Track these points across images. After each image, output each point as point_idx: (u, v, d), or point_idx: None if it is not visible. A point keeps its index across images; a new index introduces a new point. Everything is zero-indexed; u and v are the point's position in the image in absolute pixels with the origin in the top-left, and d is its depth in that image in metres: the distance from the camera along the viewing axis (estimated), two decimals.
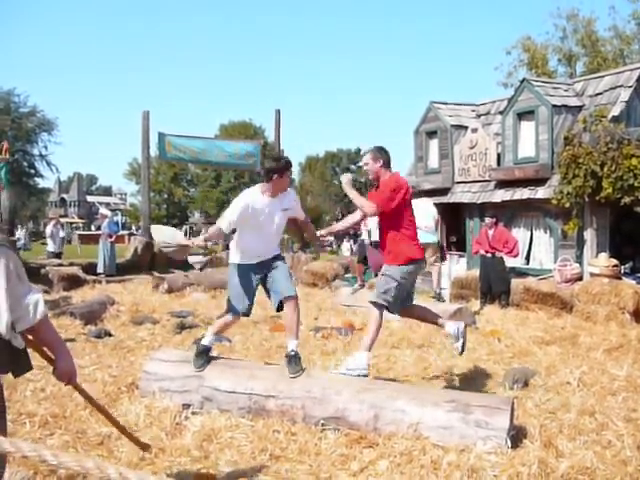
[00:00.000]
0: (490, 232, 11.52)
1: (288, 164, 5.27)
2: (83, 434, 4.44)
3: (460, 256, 14.63)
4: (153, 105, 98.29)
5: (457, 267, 14.51)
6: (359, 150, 71.77)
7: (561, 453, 4.15)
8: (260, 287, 5.43)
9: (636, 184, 10.02)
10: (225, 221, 5.08)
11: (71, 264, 15.36)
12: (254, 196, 5.17)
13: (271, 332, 8.79)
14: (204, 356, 5.29)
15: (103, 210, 18.52)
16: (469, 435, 4.18)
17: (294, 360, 5.06)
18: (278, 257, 5.42)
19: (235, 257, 5.37)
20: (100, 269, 15.40)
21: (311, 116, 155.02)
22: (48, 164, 51.46)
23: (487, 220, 11.71)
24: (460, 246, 15.13)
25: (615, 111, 11.88)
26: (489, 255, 11.44)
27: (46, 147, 50.61)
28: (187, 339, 8.30)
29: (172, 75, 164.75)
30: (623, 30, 25.92)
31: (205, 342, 5.38)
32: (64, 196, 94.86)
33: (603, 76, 13.44)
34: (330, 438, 4.42)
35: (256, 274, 5.30)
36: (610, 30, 26.18)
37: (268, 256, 5.34)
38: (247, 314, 5.42)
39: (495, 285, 11.31)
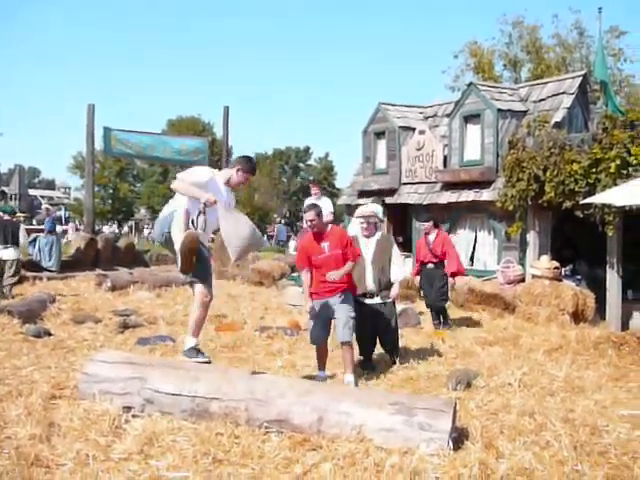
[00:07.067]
0: (431, 237, 9.75)
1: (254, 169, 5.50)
2: None
3: (406, 257, 14.75)
4: (99, 98, 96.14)
5: (403, 268, 14.61)
6: (308, 148, 71.85)
7: (501, 454, 4.22)
8: None
9: (577, 189, 10.27)
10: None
11: None
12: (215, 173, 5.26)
13: (217, 332, 8.71)
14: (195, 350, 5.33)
15: (47, 205, 18.42)
16: (412, 437, 4.20)
17: None
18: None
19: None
20: (48, 264, 15.24)
21: (260, 113, 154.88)
22: None
23: (425, 225, 9.91)
24: (406, 247, 15.27)
25: (557, 117, 12.17)
26: (430, 266, 9.69)
27: None
28: (130, 338, 8.16)
29: (120, 69, 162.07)
30: (565, 38, 26.64)
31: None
32: (4, 189, 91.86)
33: (546, 83, 13.76)
34: (274, 441, 4.38)
35: None
36: (553, 38, 26.89)
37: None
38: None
39: (433, 302, 9.72)
